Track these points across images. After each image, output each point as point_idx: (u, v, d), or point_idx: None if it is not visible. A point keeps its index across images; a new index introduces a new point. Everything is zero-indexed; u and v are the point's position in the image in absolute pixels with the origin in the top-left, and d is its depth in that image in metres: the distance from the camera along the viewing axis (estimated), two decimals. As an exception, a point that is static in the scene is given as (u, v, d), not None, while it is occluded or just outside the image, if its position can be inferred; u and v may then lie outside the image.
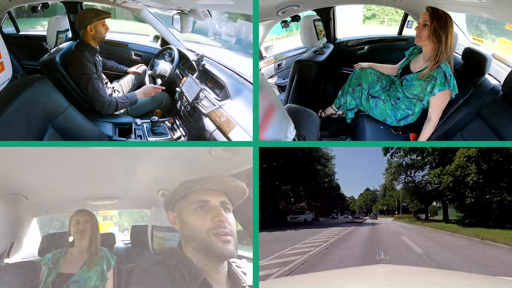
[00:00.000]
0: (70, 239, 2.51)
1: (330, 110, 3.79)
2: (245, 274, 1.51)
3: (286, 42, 5.48)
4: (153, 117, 3.60)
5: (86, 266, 2.42)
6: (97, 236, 2.56)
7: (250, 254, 2.48)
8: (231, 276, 1.48)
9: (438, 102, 3.05)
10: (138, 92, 3.77)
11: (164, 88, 3.92)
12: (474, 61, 3.18)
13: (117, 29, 5.11)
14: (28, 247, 3.31)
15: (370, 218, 30.43)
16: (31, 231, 3.48)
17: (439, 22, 2.88)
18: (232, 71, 3.62)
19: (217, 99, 3.32)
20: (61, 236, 2.63)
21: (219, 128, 2.99)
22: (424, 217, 20.21)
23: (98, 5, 4.44)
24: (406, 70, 3.25)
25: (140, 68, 4.30)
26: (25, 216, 3.31)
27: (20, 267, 2.44)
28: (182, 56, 4.12)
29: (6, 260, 2.93)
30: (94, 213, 2.71)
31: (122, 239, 4.51)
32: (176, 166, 2.35)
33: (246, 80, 3.39)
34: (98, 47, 3.56)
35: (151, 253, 2.46)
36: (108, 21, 3.50)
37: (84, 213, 2.59)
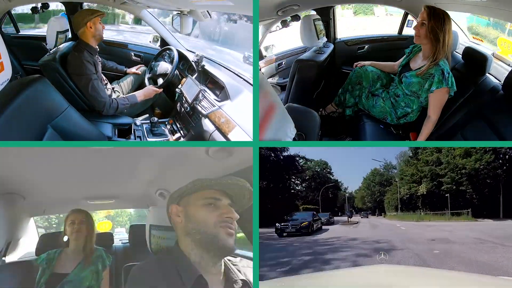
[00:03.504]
0: (65, 238, 2.49)
1: (330, 108, 3.80)
2: (238, 270, 1.56)
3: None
4: (153, 118, 3.60)
5: (81, 266, 2.40)
6: (92, 236, 2.54)
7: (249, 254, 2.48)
8: (226, 273, 1.53)
9: (436, 100, 3.06)
10: (138, 94, 3.76)
11: (162, 90, 3.92)
12: (474, 60, 3.18)
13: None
14: (26, 246, 3.30)
15: (361, 217, 20.73)
16: (29, 231, 3.47)
17: (436, 21, 2.90)
18: (232, 71, 3.62)
19: (216, 100, 3.31)
20: (58, 236, 2.61)
21: (218, 129, 2.98)
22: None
23: (98, 6, 4.44)
24: (405, 67, 3.26)
25: (139, 69, 4.30)
26: (22, 215, 3.30)
27: (16, 267, 2.44)
28: (182, 56, 4.11)
29: (3, 260, 2.92)
30: (93, 212, 2.70)
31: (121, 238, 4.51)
32: (174, 166, 2.35)
33: (246, 80, 3.39)
34: (97, 47, 3.56)
35: (149, 253, 2.45)
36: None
37: (80, 213, 2.57)
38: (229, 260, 1.59)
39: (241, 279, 1.51)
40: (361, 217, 19.39)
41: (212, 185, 1.54)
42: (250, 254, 2.61)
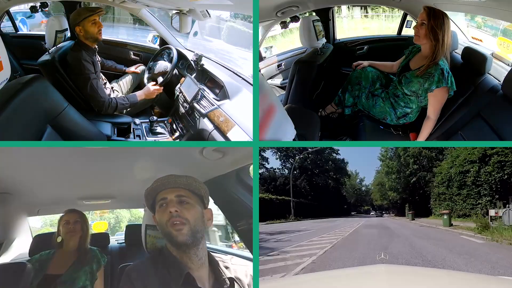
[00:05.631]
0: (59, 239, 2.47)
1: (330, 109, 3.79)
2: (227, 268, 1.63)
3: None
4: (152, 117, 3.59)
5: (75, 266, 2.37)
6: (87, 236, 2.52)
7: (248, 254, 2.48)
8: (212, 269, 1.60)
9: (436, 99, 3.07)
10: (139, 94, 3.74)
11: (162, 87, 3.91)
12: (474, 60, 3.18)
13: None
14: (19, 247, 3.26)
15: (376, 215, 16.22)
16: (23, 231, 3.44)
17: (436, 21, 2.92)
18: (231, 71, 3.62)
19: (215, 99, 3.30)
20: (52, 236, 2.57)
21: (217, 128, 2.98)
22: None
23: (97, 5, 4.43)
24: (405, 68, 3.27)
25: (138, 68, 4.29)
26: (16, 216, 3.27)
27: (8, 269, 2.41)
28: (181, 56, 4.11)
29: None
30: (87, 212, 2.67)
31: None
32: (169, 166, 2.34)
33: (245, 80, 3.38)
34: (96, 46, 3.55)
35: (144, 252, 2.45)
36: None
37: (74, 213, 2.54)
38: (218, 258, 1.66)
39: (228, 277, 1.58)
40: (376, 216, 13.43)
41: (156, 187, 1.62)
42: (247, 253, 2.61)
